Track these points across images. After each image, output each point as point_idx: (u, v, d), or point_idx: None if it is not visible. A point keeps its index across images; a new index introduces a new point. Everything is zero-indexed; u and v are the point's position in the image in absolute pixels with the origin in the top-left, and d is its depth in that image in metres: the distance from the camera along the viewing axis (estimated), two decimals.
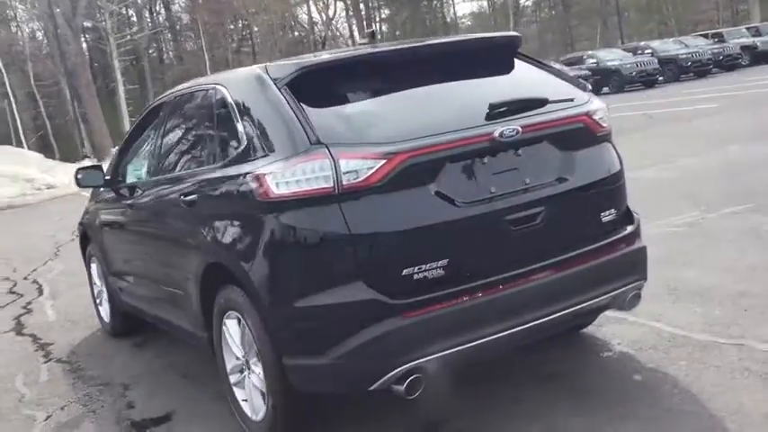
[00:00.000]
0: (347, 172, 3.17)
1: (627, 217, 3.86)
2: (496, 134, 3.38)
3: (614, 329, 4.61)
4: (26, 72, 40.07)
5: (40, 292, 8.78)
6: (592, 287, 3.60)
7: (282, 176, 3.25)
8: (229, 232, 3.66)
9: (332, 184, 3.17)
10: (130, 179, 5.42)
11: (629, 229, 3.79)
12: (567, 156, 3.64)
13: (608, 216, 3.71)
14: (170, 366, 5.28)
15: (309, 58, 3.77)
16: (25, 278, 9.85)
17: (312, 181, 3.19)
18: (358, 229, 3.18)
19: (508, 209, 3.40)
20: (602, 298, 3.64)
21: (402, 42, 4.05)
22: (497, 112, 3.47)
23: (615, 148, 3.93)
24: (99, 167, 5.67)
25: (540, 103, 3.63)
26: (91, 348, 6.10)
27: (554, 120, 3.61)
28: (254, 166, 3.47)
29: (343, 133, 3.32)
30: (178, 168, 4.54)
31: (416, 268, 3.21)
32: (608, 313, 4.75)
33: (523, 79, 3.96)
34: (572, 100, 3.76)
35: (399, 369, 3.18)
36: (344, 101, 3.53)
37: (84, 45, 41.99)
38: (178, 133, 4.75)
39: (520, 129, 3.43)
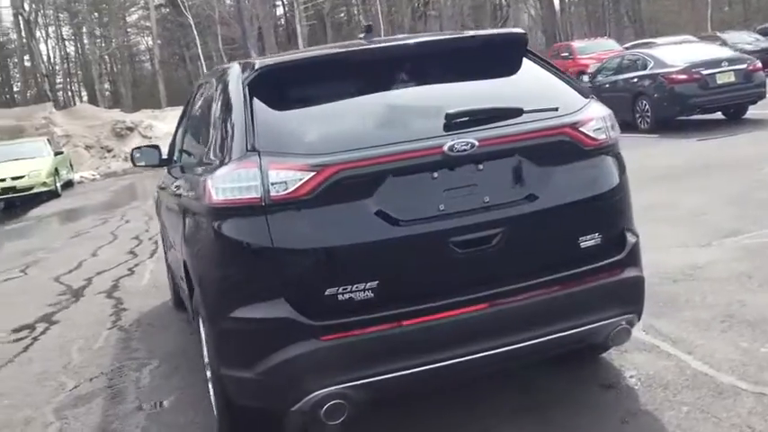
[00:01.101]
0: (276, 183, 3.02)
1: (617, 243, 3.41)
2: (446, 148, 3.08)
3: (637, 358, 4.15)
4: (216, 35, 42.11)
5: (152, 254, 9.27)
6: (558, 319, 3.23)
7: (222, 182, 3.15)
8: (189, 233, 3.65)
9: (260, 195, 3.03)
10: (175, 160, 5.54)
11: (617, 256, 3.35)
12: (544, 172, 3.27)
13: (589, 240, 3.30)
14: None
15: (274, 57, 3.62)
16: (150, 238, 10.45)
17: (243, 190, 3.06)
18: (282, 243, 3.03)
19: (456, 229, 3.11)
20: (572, 332, 3.27)
21: (383, 40, 3.76)
22: (456, 122, 3.17)
23: (617, 164, 3.48)
24: (156, 147, 5.82)
25: (513, 112, 3.27)
26: (153, 319, 6.36)
27: (526, 132, 3.24)
28: (210, 167, 3.40)
29: (282, 141, 3.16)
30: (192, 156, 4.56)
31: (341, 289, 3.01)
32: (644, 338, 4.34)
33: (507, 84, 3.58)
34: (556, 109, 3.35)
35: (315, 394, 3.02)
36: (295, 106, 3.35)
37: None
38: (195, 120, 4.76)
39: (475, 142, 3.11)
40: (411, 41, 3.67)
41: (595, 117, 3.40)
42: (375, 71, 3.45)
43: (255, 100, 3.31)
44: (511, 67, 3.63)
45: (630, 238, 3.44)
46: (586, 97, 3.54)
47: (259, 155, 3.09)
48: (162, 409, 4.37)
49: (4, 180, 18.88)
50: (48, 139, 21.95)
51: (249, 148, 3.13)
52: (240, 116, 3.28)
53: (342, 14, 61.63)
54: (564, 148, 3.31)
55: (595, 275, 3.28)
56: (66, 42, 59.76)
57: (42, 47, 52.95)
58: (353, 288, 3.02)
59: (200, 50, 41.88)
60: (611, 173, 3.43)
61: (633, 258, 3.42)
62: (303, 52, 4.13)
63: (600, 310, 3.31)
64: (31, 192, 18.90)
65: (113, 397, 4.65)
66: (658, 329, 4.47)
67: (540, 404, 3.78)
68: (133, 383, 4.85)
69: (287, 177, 3.01)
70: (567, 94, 3.52)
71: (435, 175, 3.12)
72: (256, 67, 3.41)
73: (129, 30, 58.88)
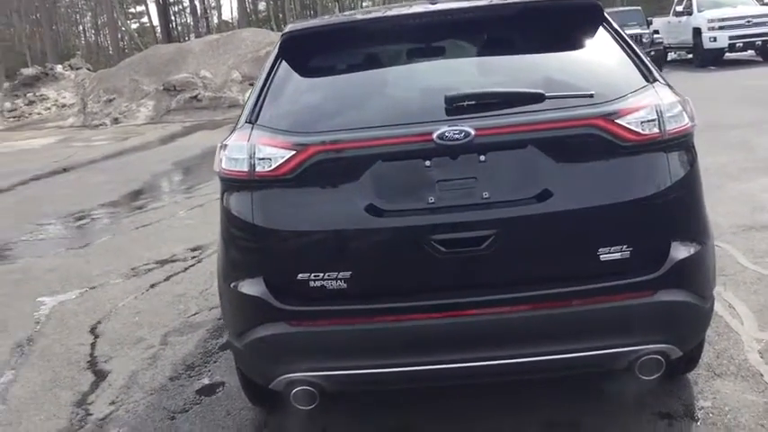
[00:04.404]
0: (262, 159, 2.94)
1: (653, 258, 2.86)
2: (435, 136, 2.77)
3: (722, 387, 3.53)
4: None
5: None
6: (556, 339, 2.83)
7: (228, 152, 3.12)
8: None
9: (247, 170, 2.96)
10: None
11: (649, 275, 2.82)
12: (564, 169, 2.82)
13: (612, 253, 2.81)
14: None
15: (309, 21, 3.44)
16: None
17: (237, 162, 3.01)
18: (261, 221, 2.96)
19: (442, 226, 2.81)
20: (574, 355, 2.85)
21: (422, 6, 3.37)
22: (456, 107, 2.82)
23: (675, 163, 2.89)
24: None
25: (529, 97, 2.84)
26: None
27: (541, 122, 2.80)
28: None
29: (280, 115, 3.06)
30: None
31: (313, 275, 2.88)
32: (753, 360, 3.70)
33: (550, 63, 3.10)
34: (591, 96, 2.84)
35: (283, 377, 2.96)
36: (305, 78, 3.20)
37: None
38: None
39: (471, 131, 2.76)
40: (450, 6, 3.30)
41: (645, 107, 2.84)
42: (402, 41, 3.18)
43: (279, 68, 3.23)
44: (569, 41, 3.15)
45: (678, 254, 2.86)
46: (649, 81, 2.97)
47: (252, 128, 3.01)
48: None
49: None
50: None
51: (250, 119, 3.07)
52: (259, 84, 3.21)
53: None
54: (592, 142, 2.81)
55: (612, 294, 2.80)
56: None
57: None
58: (326, 276, 2.87)
59: None
60: (659, 174, 2.85)
61: (676, 279, 2.85)
62: (338, 17, 3.89)
63: (614, 335, 2.84)
64: None
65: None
66: None
67: (575, 422, 3.37)
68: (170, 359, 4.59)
69: (272, 154, 2.91)
70: (619, 77, 2.98)
71: (428, 164, 2.83)
72: (285, 30, 3.28)
73: None
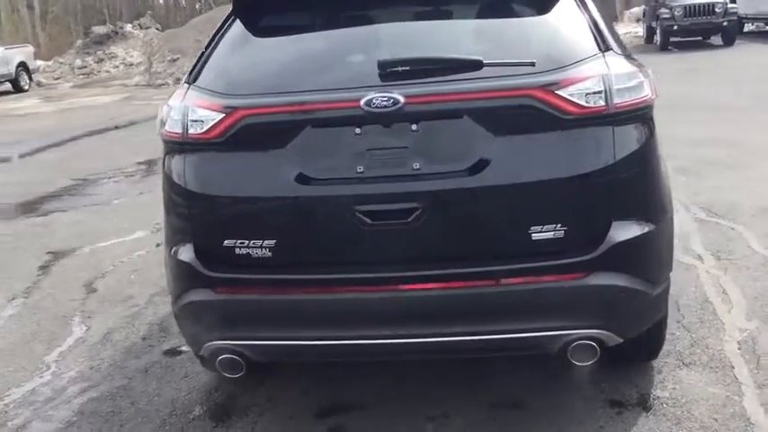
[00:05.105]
0: (195, 121, 2.87)
1: (589, 239, 2.69)
2: (362, 102, 2.65)
3: (687, 377, 3.34)
4: None
5: None
6: (481, 318, 2.70)
7: (164, 112, 3.05)
8: None
9: (180, 131, 2.90)
10: None
11: (582, 256, 2.66)
12: (500, 142, 2.67)
13: (544, 232, 2.65)
14: None
15: None
16: None
17: (174, 123, 2.95)
18: (191, 185, 2.90)
19: (368, 197, 2.70)
20: (510, 336, 2.73)
21: None
22: (388, 73, 2.69)
23: (623, 138, 2.70)
24: None
25: (470, 65, 2.68)
26: None
27: (475, 91, 2.65)
28: None
29: (217, 76, 2.97)
30: None
31: (238, 242, 2.82)
32: (720, 353, 3.51)
33: (491, 28, 2.93)
34: (532, 64, 2.67)
35: (209, 344, 2.92)
36: (249, 39, 3.10)
37: None
38: None
39: (400, 98, 2.62)
40: None
41: (590, 77, 2.66)
42: (346, 6, 3.05)
43: (229, 27, 3.15)
44: (520, 6, 2.98)
45: (618, 235, 2.68)
46: (601, 50, 2.77)
47: (189, 88, 2.95)
48: None
49: None
50: None
51: (188, 79, 3.00)
52: (210, 43, 3.13)
53: None
54: (531, 114, 2.64)
55: (541, 275, 2.66)
56: None
57: None
58: (251, 244, 2.81)
59: None
60: (602, 149, 2.67)
61: (614, 261, 2.68)
62: None
63: (543, 317, 2.69)
64: None
65: None
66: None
67: (521, 403, 3.24)
68: None
69: (204, 116, 2.84)
70: (567, 45, 2.80)
71: (358, 131, 2.71)
72: None
73: None
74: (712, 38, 21.40)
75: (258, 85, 2.87)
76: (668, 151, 7.33)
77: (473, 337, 2.73)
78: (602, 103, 2.65)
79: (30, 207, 8.02)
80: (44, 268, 5.69)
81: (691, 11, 20.38)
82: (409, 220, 2.67)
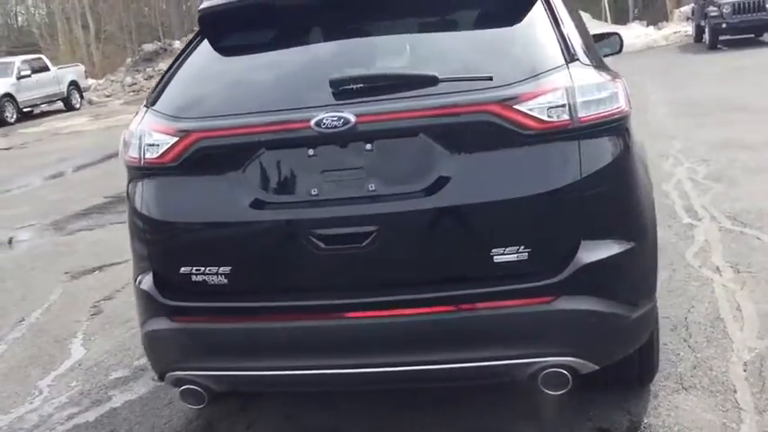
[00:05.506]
0: (150, 145, 2.81)
1: (555, 261, 2.52)
2: (312, 123, 2.54)
3: (683, 403, 3.13)
4: None
5: None
6: (453, 346, 2.56)
7: (124, 137, 2.98)
8: None
9: (137, 155, 2.84)
10: None
11: (548, 279, 2.50)
12: (458, 160, 2.53)
13: (507, 255, 2.50)
14: None
15: None
16: None
17: (133, 147, 2.89)
18: (148, 210, 2.84)
19: (322, 221, 2.59)
20: (473, 365, 2.58)
21: None
22: (346, 90, 2.58)
23: (591, 154, 2.53)
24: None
25: (425, 80, 2.55)
26: None
27: (430, 108, 2.51)
28: None
29: (173, 99, 2.90)
30: None
31: (194, 269, 2.74)
32: (724, 375, 3.29)
33: (451, 41, 2.80)
34: (489, 79, 2.52)
35: (170, 374, 2.85)
36: (209, 59, 3.02)
37: None
38: None
39: (351, 118, 2.51)
40: None
41: (551, 90, 2.50)
42: (303, 23, 2.96)
43: (193, 48, 3.07)
44: (482, 17, 2.84)
45: (587, 256, 2.52)
46: (566, 60, 2.61)
47: (146, 112, 2.88)
48: None
49: None
50: None
51: (147, 103, 2.94)
52: (173, 65, 3.07)
53: None
54: (489, 130, 2.50)
55: (504, 300, 2.50)
56: None
57: None
58: (206, 271, 2.72)
59: None
60: (568, 166, 2.51)
61: (583, 284, 2.51)
62: None
63: (508, 345, 2.54)
64: None
65: None
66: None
67: (505, 430, 3.09)
68: None
69: (158, 140, 2.78)
70: (529, 57, 2.64)
71: (311, 152, 2.61)
72: (200, 7, 3.11)
73: None
74: (765, 35, 20.71)
75: (212, 107, 2.78)
76: (701, 156, 7.07)
77: (434, 366, 2.59)
78: (565, 117, 2.50)
79: (58, 225, 8.12)
80: (58, 290, 5.71)
81: (740, 8, 19.71)
82: (364, 243, 2.55)
